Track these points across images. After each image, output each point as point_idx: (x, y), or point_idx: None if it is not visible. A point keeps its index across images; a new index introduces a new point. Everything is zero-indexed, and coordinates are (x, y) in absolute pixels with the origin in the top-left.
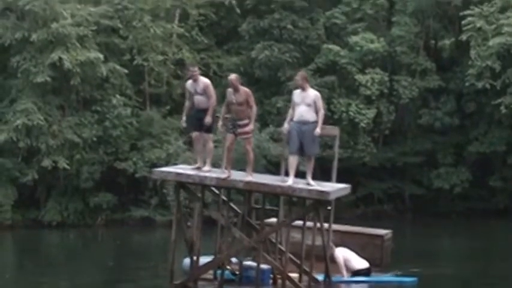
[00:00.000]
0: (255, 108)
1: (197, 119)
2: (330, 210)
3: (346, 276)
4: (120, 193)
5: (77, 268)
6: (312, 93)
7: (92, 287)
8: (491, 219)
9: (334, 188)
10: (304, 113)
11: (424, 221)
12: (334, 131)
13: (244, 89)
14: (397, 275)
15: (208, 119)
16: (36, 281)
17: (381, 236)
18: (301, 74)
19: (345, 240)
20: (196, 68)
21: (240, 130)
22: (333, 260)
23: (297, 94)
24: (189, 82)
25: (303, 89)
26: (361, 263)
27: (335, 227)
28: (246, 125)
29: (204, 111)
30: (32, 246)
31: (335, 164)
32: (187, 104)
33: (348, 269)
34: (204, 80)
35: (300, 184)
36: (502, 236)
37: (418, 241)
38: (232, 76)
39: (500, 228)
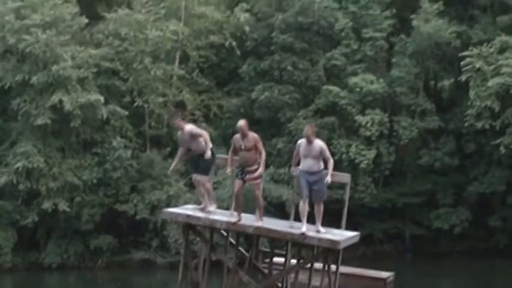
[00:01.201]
0: (264, 154)
1: (195, 161)
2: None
3: None
4: (121, 235)
5: None
6: (318, 146)
7: None
8: (492, 258)
9: (344, 236)
10: (311, 165)
11: (424, 261)
12: (346, 178)
13: (252, 135)
14: None
15: (208, 155)
16: None
17: (383, 279)
18: (310, 128)
19: (347, 282)
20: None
21: (248, 176)
22: None
23: (303, 146)
24: (179, 133)
25: (310, 141)
26: None
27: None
28: (255, 170)
29: (200, 155)
30: None
31: (345, 211)
32: (179, 152)
33: None
34: (188, 128)
35: (310, 231)
36: (502, 275)
37: (418, 281)
38: (241, 122)
39: (500, 268)
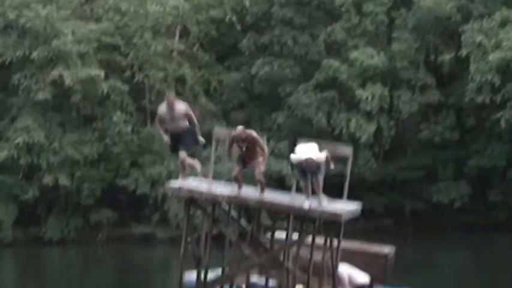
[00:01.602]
0: (266, 150)
1: (178, 137)
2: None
3: None
4: (121, 210)
5: (78, 284)
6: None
7: None
8: (491, 232)
9: (346, 208)
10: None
11: (424, 234)
12: (348, 151)
13: (251, 137)
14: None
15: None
16: None
17: (384, 255)
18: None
19: (348, 257)
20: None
21: (249, 166)
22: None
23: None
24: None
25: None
26: (363, 277)
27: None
28: (257, 162)
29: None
30: (32, 263)
31: (346, 185)
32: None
33: (350, 283)
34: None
35: (313, 203)
36: (502, 249)
37: (418, 255)
38: (239, 129)
39: (500, 242)
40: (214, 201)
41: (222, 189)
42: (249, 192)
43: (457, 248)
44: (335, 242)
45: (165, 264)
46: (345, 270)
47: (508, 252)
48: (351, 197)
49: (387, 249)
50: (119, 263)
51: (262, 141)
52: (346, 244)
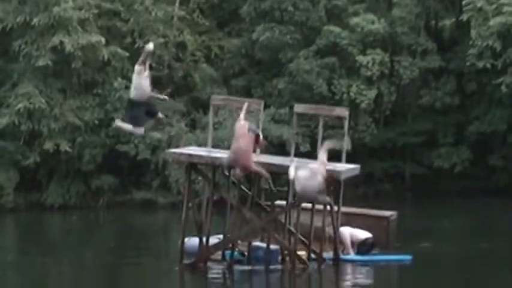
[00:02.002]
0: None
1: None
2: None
3: (352, 254)
4: (122, 175)
5: (79, 249)
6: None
7: (95, 268)
8: (492, 198)
9: (345, 167)
10: None
11: (424, 200)
12: (344, 112)
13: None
14: (392, 253)
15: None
16: (38, 262)
17: (386, 218)
18: None
19: (350, 221)
20: None
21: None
22: (339, 239)
23: None
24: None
25: None
26: (365, 234)
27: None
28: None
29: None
30: (34, 228)
31: (344, 145)
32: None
33: (353, 240)
34: None
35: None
36: (502, 213)
37: (419, 220)
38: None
39: (500, 207)
40: (214, 165)
41: (222, 154)
42: None
43: (457, 213)
44: (335, 207)
45: (166, 229)
46: (347, 229)
47: (508, 216)
48: (351, 161)
49: (389, 213)
50: (120, 228)
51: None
52: (347, 209)
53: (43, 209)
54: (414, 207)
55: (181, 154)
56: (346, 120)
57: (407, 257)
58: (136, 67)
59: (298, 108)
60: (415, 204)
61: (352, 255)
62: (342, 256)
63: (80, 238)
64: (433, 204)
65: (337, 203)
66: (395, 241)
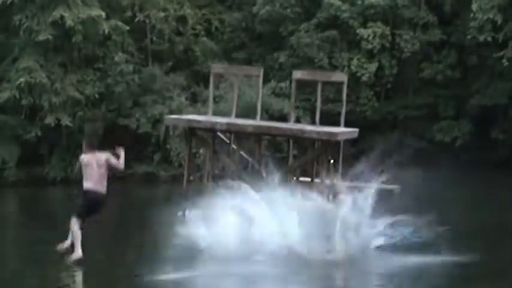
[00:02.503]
0: None
1: None
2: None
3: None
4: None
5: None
6: None
7: (99, 238)
8: (493, 170)
9: (343, 130)
10: None
11: (425, 173)
12: (342, 77)
13: None
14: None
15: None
16: (41, 235)
17: (390, 191)
18: None
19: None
20: None
21: None
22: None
23: None
24: None
25: None
26: None
27: (343, 183)
28: None
29: None
30: (36, 201)
31: (343, 110)
32: None
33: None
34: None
35: (309, 127)
36: (503, 186)
37: (419, 193)
38: None
39: (501, 179)
40: (212, 129)
41: (221, 119)
42: (247, 121)
43: (459, 185)
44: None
45: (168, 201)
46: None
47: (508, 189)
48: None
49: (392, 186)
50: (121, 201)
51: None
52: (350, 183)
53: (45, 183)
54: (415, 179)
55: (180, 119)
56: (344, 85)
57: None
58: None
59: (297, 74)
60: (416, 176)
61: None
62: None
63: None
64: (434, 177)
65: (337, 164)
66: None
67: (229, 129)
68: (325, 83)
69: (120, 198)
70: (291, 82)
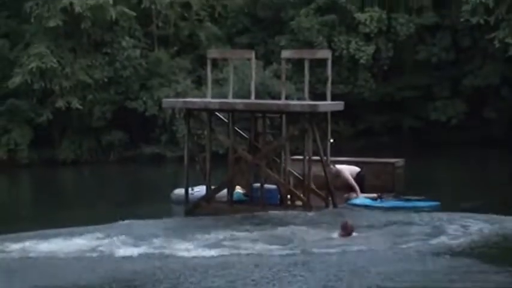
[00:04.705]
0: None
1: None
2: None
3: (359, 194)
4: (131, 131)
5: (92, 201)
6: None
7: (108, 215)
8: (486, 148)
9: (327, 102)
10: None
11: (422, 151)
12: (326, 54)
13: None
14: (419, 200)
15: None
16: (52, 213)
17: (392, 164)
18: None
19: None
20: None
21: None
22: (342, 180)
23: None
24: None
25: None
26: (356, 168)
27: (347, 158)
28: None
29: None
30: (48, 182)
31: (329, 85)
32: None
33: (352, 175)
34: None
35: (294, 102)
36: (496, 164)
37: (417, 171)
38: None
39: (494, 157)
40: (206, 108)
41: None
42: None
43: (454, 164)
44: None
45: (174, 181)
46: (344, 168)
47: (501, 166)
48: (351, 116)
49: (395, 160)
50: (130, 182)
51: None
52: (355, 158)
53: (56, 165)
54: (413, 158)
55: (176, 102)
56: (328, 61)
57: (436, 203)
58: None
59: (285, 53)
60: (413, 155)
61: (379, 202)
62: (370, 202)
63: (92, 191)
64: (430, 155)
65: (325, 138)
66: (403, 186)
67: (221, 108)
68: (311, 61)
69: (129, 178)
70: (293, 65)
